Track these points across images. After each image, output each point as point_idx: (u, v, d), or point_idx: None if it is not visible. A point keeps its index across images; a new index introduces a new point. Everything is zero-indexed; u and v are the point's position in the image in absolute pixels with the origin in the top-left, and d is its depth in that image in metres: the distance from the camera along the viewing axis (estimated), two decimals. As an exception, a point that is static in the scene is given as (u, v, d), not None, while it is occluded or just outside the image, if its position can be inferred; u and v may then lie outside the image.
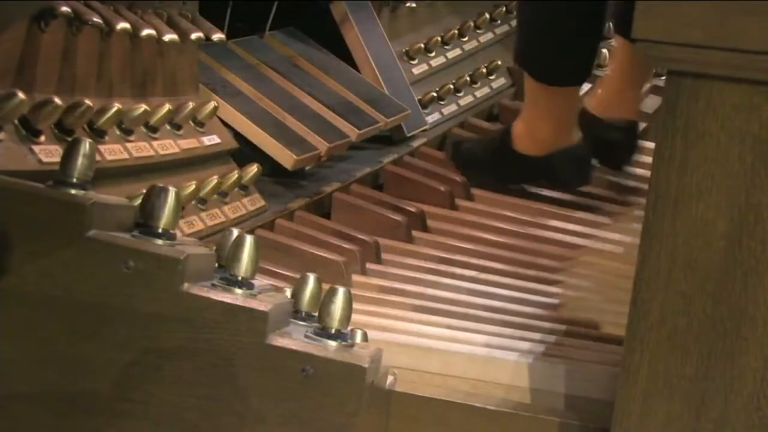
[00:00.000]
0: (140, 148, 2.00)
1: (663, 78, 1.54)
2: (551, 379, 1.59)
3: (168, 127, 2.11)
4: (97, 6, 1.96)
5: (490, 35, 3.47)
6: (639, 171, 2.79)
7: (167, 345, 1.30)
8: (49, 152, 1.76)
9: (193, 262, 1.31)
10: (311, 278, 1.44)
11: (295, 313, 1.42)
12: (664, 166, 1.34)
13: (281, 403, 1.30)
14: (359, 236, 2.27)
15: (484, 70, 3.30)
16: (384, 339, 1.68)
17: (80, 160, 1.33)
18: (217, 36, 2.26)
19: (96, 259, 1.29)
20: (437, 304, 2.02)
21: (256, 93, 2.50)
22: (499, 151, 2.70)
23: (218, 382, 1.30)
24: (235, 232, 1.42)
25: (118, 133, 1.97)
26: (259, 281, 1.37)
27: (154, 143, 2.04)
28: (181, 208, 1.64)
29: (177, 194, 1.35)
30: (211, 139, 2.22)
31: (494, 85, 3.33)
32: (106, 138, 1.92)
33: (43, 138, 1.77)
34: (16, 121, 1.74)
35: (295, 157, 2.38)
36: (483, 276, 2.22)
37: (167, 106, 2.07)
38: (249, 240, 1.35)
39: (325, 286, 1.41)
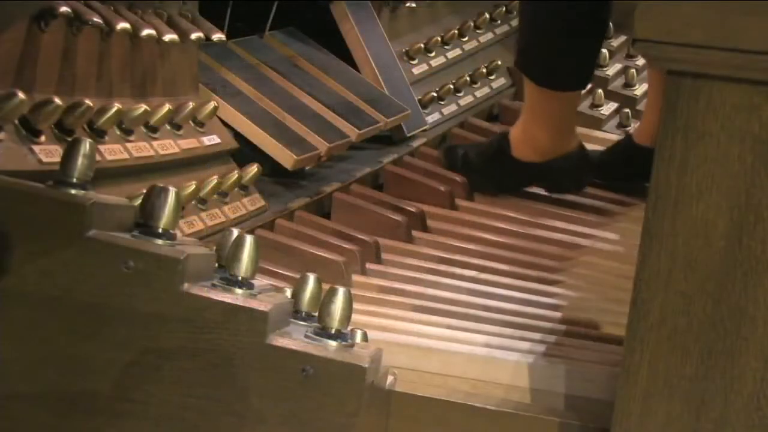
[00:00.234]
0: (140, 148, 2.00)
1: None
2: (551, 379, 1.59)
3: (168, 127, 2.11)
4: (97, 6, 1.96)
5: (490, 35, 3.47)
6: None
7: (167, 345, 1.30)
8: (49, 152, 1.76)
9: (193, 262, 1.31)
10: (311, 278, 1.44)
11: (295, 313, 1.42)
12: (664, 166, 1.34)
13: (281, 403, 1.30)
14: (359, 236, 2.27)
15: (484, 70, 3.30)
16: (384, 339, 1.68)
17: (80, 160, 1.33)
18: (217, 36, 2.26)
19: (96, 259, 1.29)
20: (437, 304, 2.02)
21: (256, 93, 2.50)
22: (496, 157, 2.69)
23: (218, 382, 1.30)
24: (235, 232, 1.42)
25: (118, 133, 1.97)
26: (259, 281, 1.37)
27: (154, 143, 2.04)
28: (181, 208, 1.64)
29: (177, 194, 1.35)
30: (211, 139, 2.22)
31: (494, 85, 3.33)
32: (106, 138, 1.92)
33: (43, 138, 1.77)
34: (16, 121, 1.74)
35: (295, 157, 2.38)
36: (483, 276, 2.22)
37: (167, 106, 2.07)
38: (249, 240, 1.35)
39: (325, 286, 1.41)
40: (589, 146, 2.77)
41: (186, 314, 1.29)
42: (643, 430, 1.38)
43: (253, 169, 2.26)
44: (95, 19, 1.90)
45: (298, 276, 1.48)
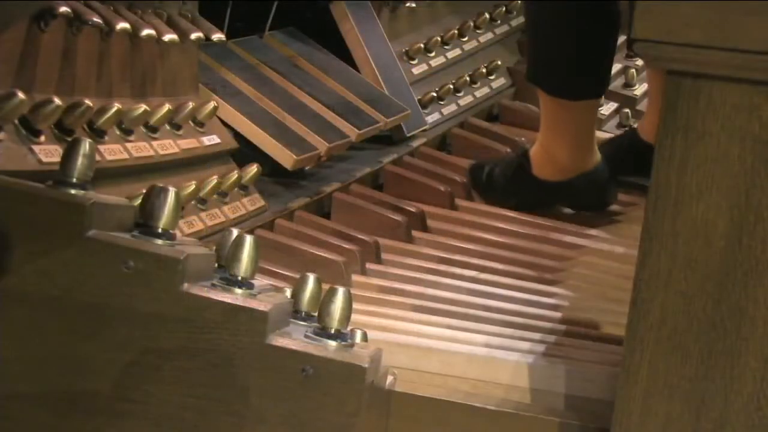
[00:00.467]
0: (140, 148, 2.00)
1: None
2: (551, 379, 1.59)
3: (168, 127, 2.11)
4: (97, 6, 1.96)
5: (490, 35, 3.47)
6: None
7: (167, 345, 1.30)
8: (49, 152, 1.76)
9: (193, 262, 1.31)
10: (311, 278, 1.44)
11: (295, 313, 1.42)
12: (664, 166, 1.34)
13: (281, 403, 1.30)
14: (359, 236, 2.27)
15: (484, 70, 3.30)
16: (384, 339, 1.68)
17: (80, 160, 1.33)
18: (217, 36, 2.26)
19: (96, 259, 1.29)
20: (437, 304, 2.02)
21: (256, 93, 2.50)
22: (516, 176, 2.64)
23: (218, 382, 1.30)
24: (235, 232, 1.42)
25: (118, 133, 1.97)
26: (259, 281, 1.37)
27: (154, 143, 2.04)
28: (181, 208, 1.64)
29: (177, 194, 1.35)
30: (211, 139, 2.22)
31: (494, 85, 3.33)
32: (106, 138, 1.92)
33: (43, 138, 1.77)
34: (16, 121, 1.74)
35: (295, 157, 2.38)
36: (483, 276, 2.22)
37: (167, 106, 2.07)
38: (249, 240, 1.35)
39: (325, 286, 1.41)
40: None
41: (186, 314, 1.29)
42: (643, 430, 1.38)
43: (253, 169, 2.26)
44: (95, 19, 1.90)
45: (298, 276, 1.48)
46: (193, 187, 2.04)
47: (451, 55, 3.27)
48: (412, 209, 2.49)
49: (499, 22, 3.52)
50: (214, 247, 1.46)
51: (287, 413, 1.30)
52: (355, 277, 2.15)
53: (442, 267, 2.25)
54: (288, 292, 1.47)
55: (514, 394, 1.58)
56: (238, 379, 1.30)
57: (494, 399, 1.54)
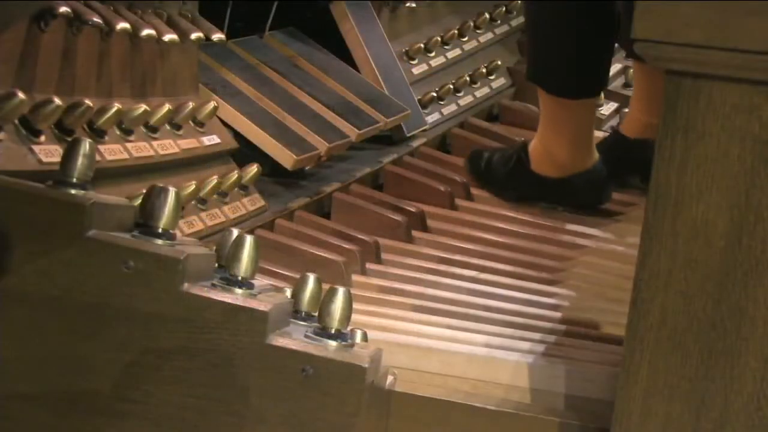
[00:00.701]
0: (140, 148, 2.00)
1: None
2: (551, 379, 1.59)
3: (168, 127, 2.11)
4: (97, 6, 1.96)
5: (490, 35, 3.47)
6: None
7: (167, 345, 1.30)
8: (49, 152, 1.76)
9: (193, 262, 1.31)
10: (311, 278, 1.44)
11: (295, 313, 1.42)
12: (664, 166, 1.34)
13: (281, 403, 1.30)
14: (359, 236, 2.27)
15: (484, 70, 3.30)
16: (384, 339, 1.68)
17: (80, 160, 1.33)
18: (217, 36, 2.26)
19: (96, 259, 1.29)
20: (437, 304, 2.02)
21: (256, 93, 2.50)
22: (515, 170, 2.66)
23: (218, 382, 1.30)
24: (235, 232, 1.42)
25: (118, 133, 1.97)
26: (259, 281, 1.37)
27: (154, 143, 2.04)
28: (181, 208, 1.64)
29: (177, 194, 1.35)
30: (211, 139, 2.22)
31: (494, 85, 3.33)
32: (106, 138, 1.92)
33: (43, 138, 1.77)
34: (16, 121, 1.74)
35: (295, 157, 2.38)
36: (483, 276, 2.22)
37: (167, 106, 2.07)
38: (249, 240, 1.35)
39: (325, 286, 1.41)
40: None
41: (186, 314, 1.29)
42: (643, 430, 1.38)
43: (253, 169, 2.26)
44: (95, 19, 1.90)
45: (298, 276, 1.48)
46: (193, 187, 2.04)
47: (451, 55, 3.27)
48: (412, 209, 2.49)
49: (499, 22, 3.52)
50: (214, 247, 1.46)
51: (287, 413, 1.30)
52: (355, 277, 2.15)
53: (442, 267, 2.25)
54: (288, 292, 1.47)
55: (514, 394, 1.58)
56: (238, 379, 1.30)
57: (494, 399, 1.54)
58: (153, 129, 2.06)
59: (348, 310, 1.35)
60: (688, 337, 1.35)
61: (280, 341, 1.30)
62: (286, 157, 2.38)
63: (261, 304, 1.30)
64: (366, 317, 1.86)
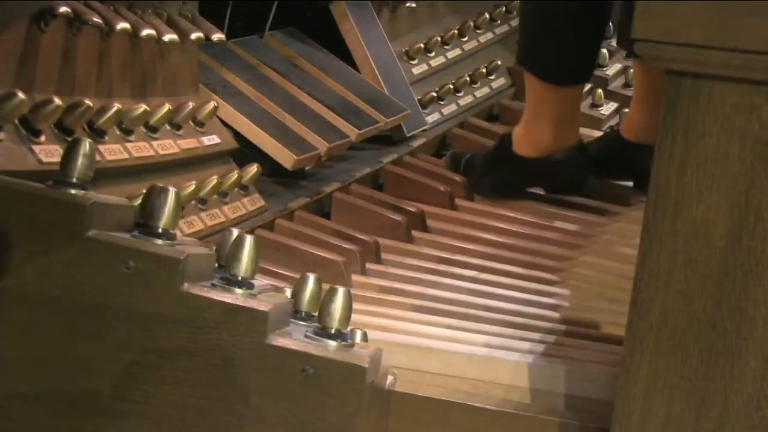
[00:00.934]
0: (140, 148, 2.00)
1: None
2: (551, 379, 1.59)
3: (168, 127, 2.11)
4: (97, 6, 1.96)
5: (490, 35, 3.47)
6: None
7: (167, 345, 1.30)
8: (49, 152, 1.76)
9: (193, 262, 1.31)
10: (311, 278, 1.44)
11: (295, 313, 1.42)
12: (664, 166, 1.34)
13: (281, 403, 1.30)
14: (359, 236, 2.27)
15: (484, 70, 3.30)
16: (384, 339, 1.68)
17: (80, 160, 1.33)
18: (217, 36, 2.26)
19: (96, 259, 1.29)
20: (437, 304, 2.02)
21: (256, 93, 2.50)
22: (497, 154, 2.69)
23: (218, 382, 1.30)
24: (235, 232, 1.42)
25: (118, 133, 1.97)
26: (259, 281, 1.37)
27: (154, 143, 2.04)
28: (181, 208, 1.64)
29: (177, 194, 1.35)
30: (211, 139, 2.22)
31: (494, 85, 3.33)
32: (106, 138, 1.92)
33: (43, 138, 1.77)
34: (16, 121, 1.74)
35: (295, 157, 2.38)
36: (483, 276, 2.22)
37: (167, 106, 2.07)
38: (249, 240, 1.35)
39: (325, 286, 1.41)
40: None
41: (186, 314, 1.29)
42: (643, 430, 1.38)
43: (253, 169, 2.26)
44: (95, 19, 1.90)
45: (298, 276, 1.48)
46: (193, 187, 2.04)
47: (451, 55, 3.27)
48: (412, 209, 2.49)
49: (499, 22, 3.52)
50: (214, 247, 1.46)
51: (287, 413, 1.30)
52: (355, 277, 2.15)
53: (442, 267, 2.25)
54: (288, 292, 1.47)
55: (514, 394, 1.58)
56: (238, 379, 1.30)
57: (494, 399, 1.54)
58: (153, 129, 2.06)
59: (348, 310, 1.35)
60: (688, 337, 1.35)
61: (280, 341, 1.30)
62: (286, 157, 2.38)
63: (261, 304, 1.30)
64: (366, 317, 1.86)
